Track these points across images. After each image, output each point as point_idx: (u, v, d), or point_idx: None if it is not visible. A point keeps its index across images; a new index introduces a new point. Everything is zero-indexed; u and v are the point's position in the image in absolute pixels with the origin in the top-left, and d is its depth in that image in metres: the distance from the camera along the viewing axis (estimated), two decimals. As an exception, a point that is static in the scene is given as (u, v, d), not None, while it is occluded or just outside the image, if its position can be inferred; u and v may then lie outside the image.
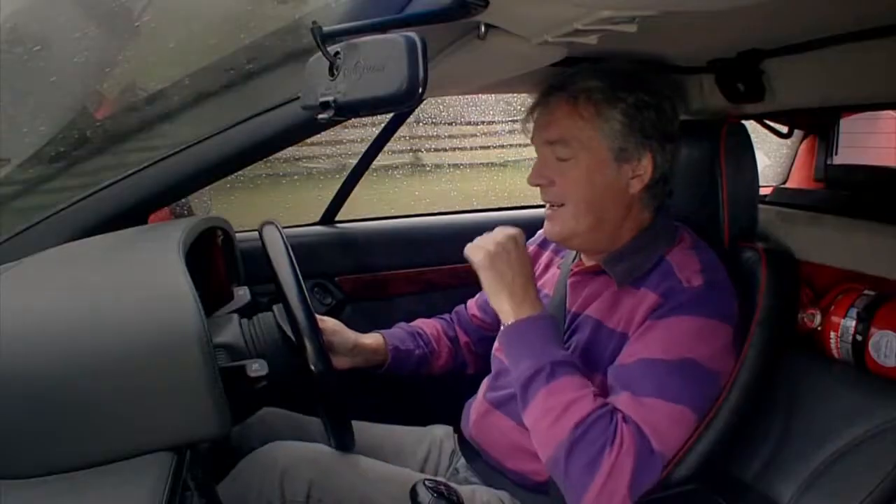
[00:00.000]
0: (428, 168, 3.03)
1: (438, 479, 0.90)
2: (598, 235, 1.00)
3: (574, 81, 0.97)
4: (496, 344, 1.16)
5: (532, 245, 1.23)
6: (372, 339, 1.17)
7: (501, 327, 0.97)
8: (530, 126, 1.03)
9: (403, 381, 1.23)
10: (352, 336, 1.14)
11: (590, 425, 0.84)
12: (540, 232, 1.25)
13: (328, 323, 1.11)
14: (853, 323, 1.02)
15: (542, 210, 1.05)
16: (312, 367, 0.86)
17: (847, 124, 1.53)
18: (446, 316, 1.32)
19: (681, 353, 0.88)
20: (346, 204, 1.60)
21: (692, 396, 0.89)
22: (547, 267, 1.17)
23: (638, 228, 1.01)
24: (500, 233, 0.99)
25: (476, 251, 0.98)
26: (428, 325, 1.27)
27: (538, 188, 1.01)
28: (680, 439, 0.90)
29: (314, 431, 1.10)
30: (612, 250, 1.01)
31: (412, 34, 0.57)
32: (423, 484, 0.82)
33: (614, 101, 0.95)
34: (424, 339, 1.24)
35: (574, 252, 1.11)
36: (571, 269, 1.07)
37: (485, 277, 0.97)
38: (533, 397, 0.89)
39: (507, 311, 0.94)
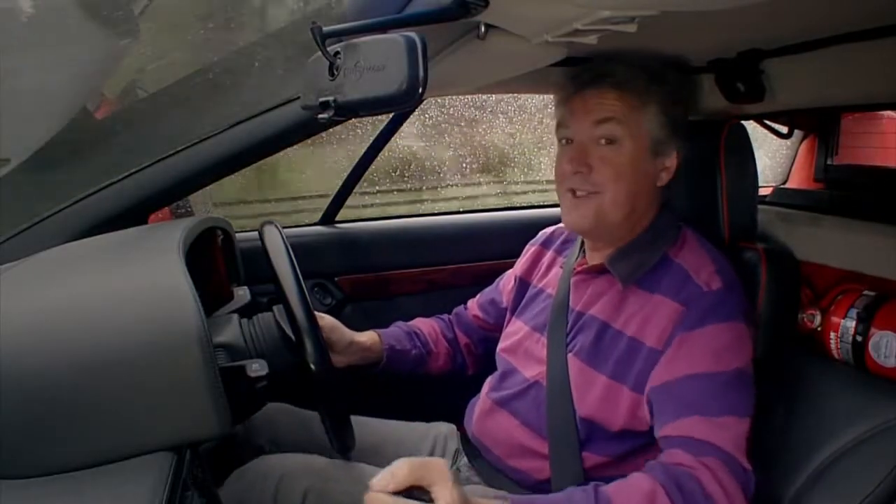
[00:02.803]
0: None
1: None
2: (624, 226, 0.99)
3: (617, 72, 0.96)
4: (501, 344, 1.16)
5: (534, 245, 1.24)
6: (367, 337, 1.17)
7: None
8: (565, 114, 1.00)
9: (405, 378, 1.23)
10: (348, 334, 1.14)
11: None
12: (541, 232, 1.25)
13: (325, 320, 1.11)
14: (853, 323, 1.02)
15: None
16: (312, 367, 0.86)
17: (847, 124, 1.53)
18: (444, 317, 1.32)
19: (731, 364, 0.88)
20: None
21: (748, 405, 0.88)
22: (549, 267, 1.17)
23: (643, 225, 1.01)
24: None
25: None
26: (425, 326, 1.27)
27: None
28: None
29: (319, 428, 1.10)
30: (616, 247, 1.01)
31: (412, 34, 0.57)
32: None
33: (653, 93, 0.96)
34: (422, 340, 1.24)
35: (577, 251, 1.11)
36: (574, 268, 1.07)
37: None
38: None
39: None
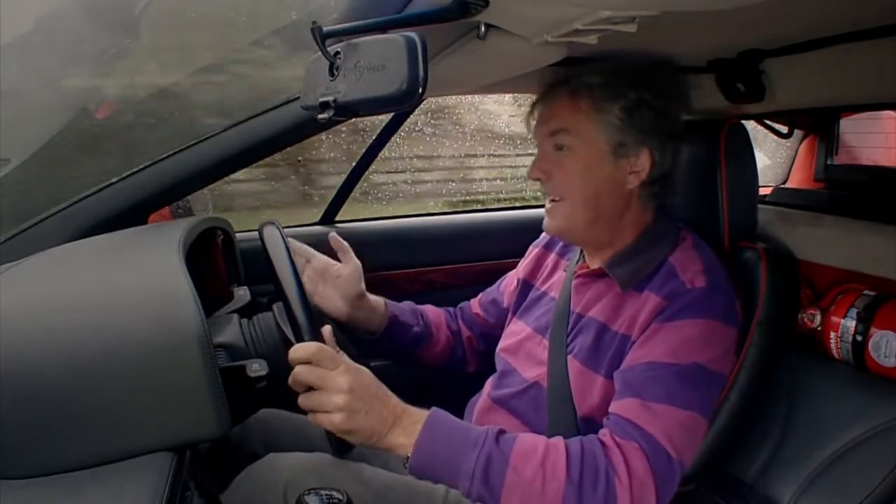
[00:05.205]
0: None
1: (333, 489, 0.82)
2: (596, 231, 1.00)
3: (575, 76, 0.99)
4: (501, 343, 1.16)
5: (537, 247, 1.24)
6: (374, 298, 1.18)
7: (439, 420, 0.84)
8: (533, 121, 1.04)
9: (404, 381, 1.23)
10: (362, 287, 1.14)
11: (581, 466, 0.80)
12: (544, 234, 1.25)
13: (349, 267, 1.13)
14: (853, 323, 1.02)
15: (541, 210, 1.05)
16: None
17: (847, 124, 1.53)
18: (450, 309, 1.32)
19: (689, 358, 0.87)
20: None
21: (701, 402, 0.88)
22: (553, 270, 1.17)
23: (639, 229, 1.01)
24: (334, 377, 0.78)
25: (329, 416, 0.79)
26: (431, 311, 1.28)
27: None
28: (695, 445, 0.88)
29: (314, 433, 1.09)
30: (615, 252, 1.01)
31: (412, 34, 0.57)
32: (314, 493, 0.79)
33: (614, 97, 0.96)
34: (425, 321, 1.24)
35: (578, 254, 1.11)
36: (575, 272, 1.07)
37: (357, 436, 0.80)
38: (503, 483, 0.79)
39: (405, 443, 0.81)
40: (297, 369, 0.79)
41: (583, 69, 0.99)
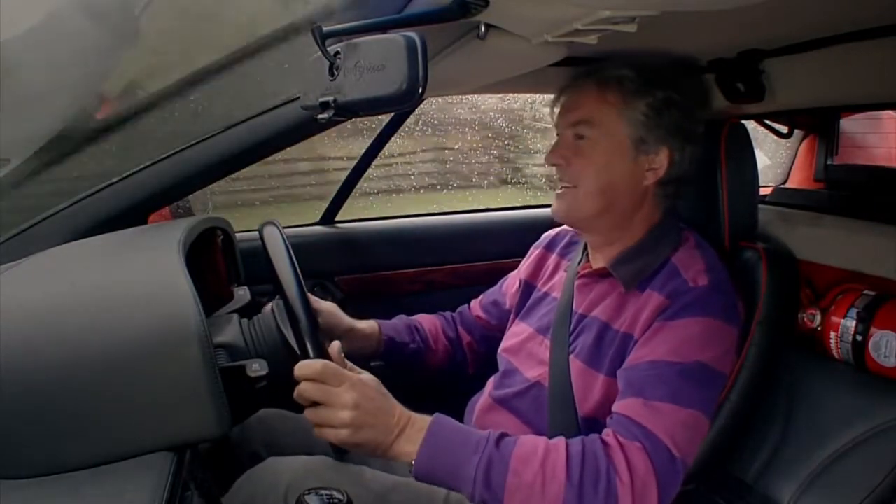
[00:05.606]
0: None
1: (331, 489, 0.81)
2: (603, 222, 1.01)
3: (605, 69, 0.99)
4: (503, 344, 1.16)
5: (538, 248, 1.24)
6: (367, 325, 1.17)
7: (434, 426, 0.84)
8: (556, 110, 1.05)
9: (405, 381, 1.23)
10: (347, 320, 1.14)
11: (582, 467, 0.80)
12: (545, 235, 1.25)
13: (324, 305, 1.11)
14: (853, 323, 1.02)
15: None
16: None
17: (847, 124, 1.53)
18: (447, 314, 1.32)
19: (691, 357, 0.87)
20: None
21: (703, 401, 0.87)
22: (554, 271, 1.17)
23: (647, 227, 1.02)
24: (339, 394, 0.79)
25: (335, 432, 0.80)
26: (427, 322, 1.27)
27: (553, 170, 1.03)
28: (696, 444, 0.88)
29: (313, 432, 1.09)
30: (622, 248, 1.01)
31: (412, 34, 0.57)
32: (314, 492, 0.79)
33: (643, 93, 0.96)
34: (421, 335, 1.24)
35: (580, 254, 1.11)
36: (578, 272, 1.07)
37: (364, 448, 0.82)
38: (504, 487, 0.79)
39: (410, 451, 0.82)
40: (303, 386, 0.80)
41: (610, 62, 0.99)
